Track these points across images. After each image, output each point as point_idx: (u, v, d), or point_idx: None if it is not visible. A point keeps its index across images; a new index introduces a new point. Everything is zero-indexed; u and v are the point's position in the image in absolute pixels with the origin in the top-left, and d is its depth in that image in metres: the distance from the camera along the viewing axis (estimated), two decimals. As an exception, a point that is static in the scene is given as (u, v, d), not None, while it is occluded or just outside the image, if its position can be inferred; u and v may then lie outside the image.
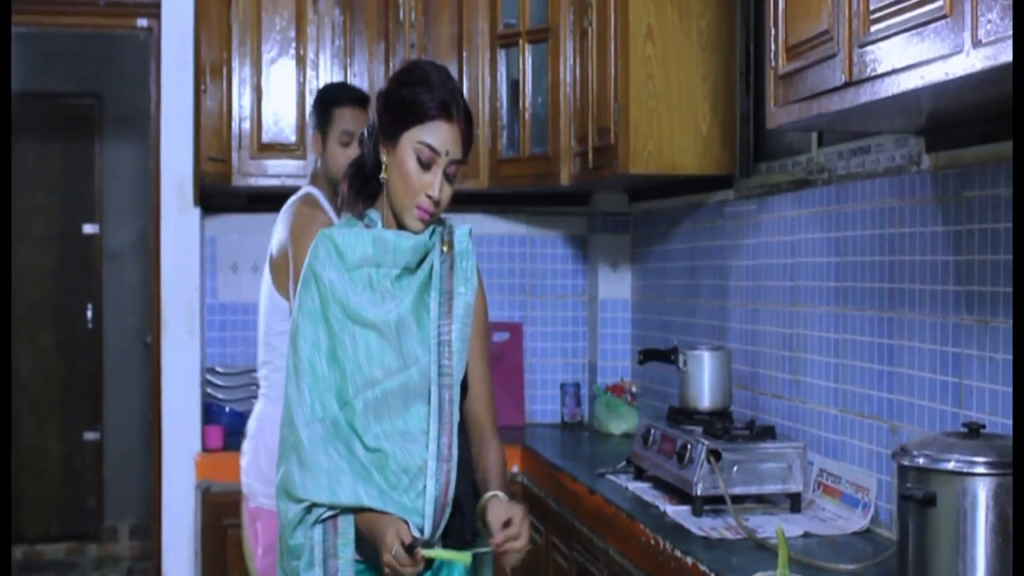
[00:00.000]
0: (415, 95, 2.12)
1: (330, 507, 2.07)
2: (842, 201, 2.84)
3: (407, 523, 2.04)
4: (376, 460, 2.09)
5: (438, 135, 2.12)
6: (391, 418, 2.10)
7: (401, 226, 2.17)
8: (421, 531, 2.06)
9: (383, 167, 2.16)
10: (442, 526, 2.10)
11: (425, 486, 2.09)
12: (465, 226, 2.26)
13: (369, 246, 2.15)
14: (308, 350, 2.13)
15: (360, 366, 2.11)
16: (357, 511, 2.08)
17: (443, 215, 2.22)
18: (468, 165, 2.30)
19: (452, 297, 2.17)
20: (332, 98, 3.30)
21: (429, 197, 2.12)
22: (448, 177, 2.14)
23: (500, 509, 2.05)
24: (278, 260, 3.12)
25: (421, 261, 2.18)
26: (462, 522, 2.14)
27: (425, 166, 2.12)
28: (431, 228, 2.18)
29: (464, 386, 2.20)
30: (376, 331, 2.12)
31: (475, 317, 2.21)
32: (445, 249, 2.19)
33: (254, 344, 4.50)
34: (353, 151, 2.81)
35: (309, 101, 4.02)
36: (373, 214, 2.21)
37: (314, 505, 2.08)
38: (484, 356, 2.26)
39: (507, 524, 2.02)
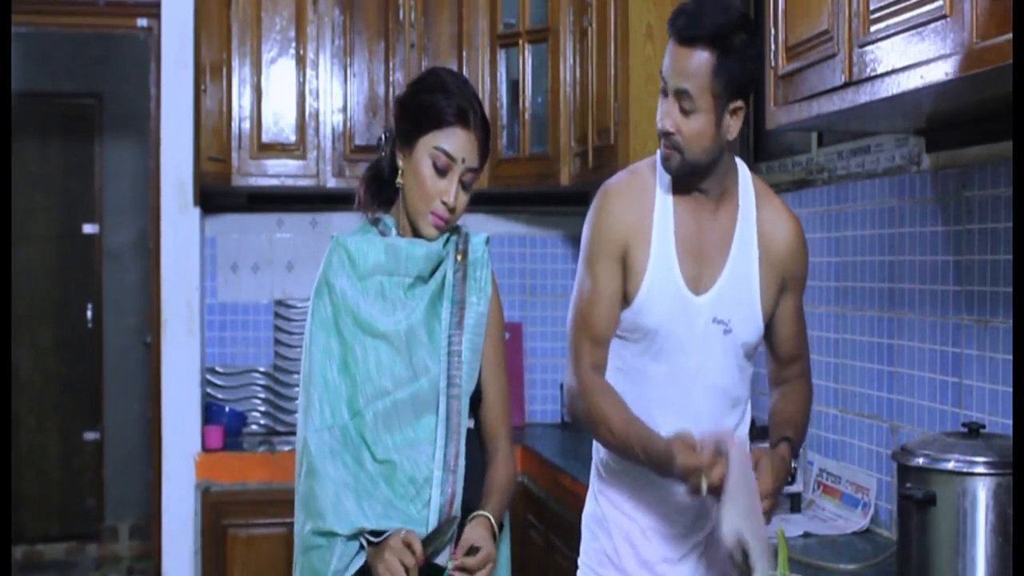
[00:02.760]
0: (432, 100, 2.12)
1: (330, 533, 2.05)
2: (842, 201, 2.84)
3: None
4: (385, 471, 2.10)
5: (454, 141, 2.11)
6: (401, 429, 2.11)
7: (416, 232, 2.17)
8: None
9: (399, 172, 2.16)
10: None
11: (431, 497, 2.09)
12: (481, 235, 2.25)
13: (382, 254, 2.14)
14: (320, 359, 2.13)
15: (370, 376, 2.11)
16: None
17: (459, 223, 2.22)
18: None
19: (464, 307, 2.16)
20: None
21: (444, 204, 2.12)
22: (464, 185, 2.14)
23: (471, 533, 2.05)
24: None
25: (434, 270, 2.18)
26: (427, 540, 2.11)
27: (441, 172, 2.11)
28: (445, 236, 2.18)
29: (478, 396, 2.21)
30: (386, 341, 2.12)
31: (490, 327, 2.21)
32: (459, 258, 2.19)
33: (254, 344, 4.49)
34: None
35: (309, 101, 4.03)
36: (388, 220, 2.21)
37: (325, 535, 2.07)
38: (500, 367, 2.25)
39: (471, 551, 2.02)
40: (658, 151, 2.16)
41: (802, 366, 2.28)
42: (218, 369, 4.27)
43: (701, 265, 2.15)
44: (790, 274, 2.19)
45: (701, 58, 2.02)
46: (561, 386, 4.42)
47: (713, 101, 2.05)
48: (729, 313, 2.14)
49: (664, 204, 2.16)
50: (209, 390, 4.22)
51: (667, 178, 2.17)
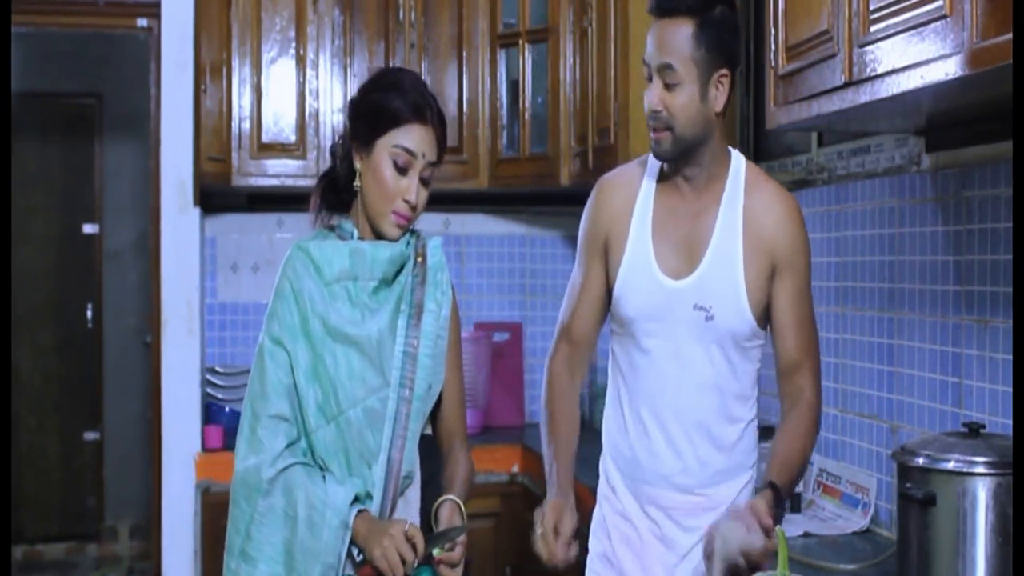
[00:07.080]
0: (388, 100, 2.12)
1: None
2: (842, 201, 2.84)
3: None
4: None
5: (413, 137, 2.11)
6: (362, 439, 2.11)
7: (378, 235, 2.16)
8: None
9: (357, 175, 2.16)
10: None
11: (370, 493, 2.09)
12: (436, 238, 2.26)
13: (347, 259, 2.13)
14: (286, 366, 2.12)
15: (343, 384, 2.09)
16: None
17: (416, 226, 2.22)
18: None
19: (422, 311, 2.16)
20: None
21: (406, 202, 2.12)
22: (424, 181, 2.14)
23: (444, 518, 2.09)
24: None
25: (398, 272, 2.17)
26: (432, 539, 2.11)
27: (401, 170, 2.11)
28: (406, 238, 2.18)
29: (436, 400, 2.21)
30: (357, 348, 2.10)
31: (450, 331, 2.22)
32: (419, 260, 2.19)
33: (254, 344, 4.48)
34: None
35: (309, 101, 4.03)
36: (347, 224, 2.20)
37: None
38: (458, 370, 2.28)
39: (449, 533, 2.05)
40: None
41: (809, 379, 2.12)
42: (218, 369, 4.27)
43: (681, 251, 2.14)
44: (780, 257, 2.11)
45: (681, 29, 2.08)
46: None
47: (696, 70, 2.08)
48: (711, 300, 2.10)
49: (647, 193, 2.20)
50: (209, 390, 4.22)
51: (655, 169, 2.21)
